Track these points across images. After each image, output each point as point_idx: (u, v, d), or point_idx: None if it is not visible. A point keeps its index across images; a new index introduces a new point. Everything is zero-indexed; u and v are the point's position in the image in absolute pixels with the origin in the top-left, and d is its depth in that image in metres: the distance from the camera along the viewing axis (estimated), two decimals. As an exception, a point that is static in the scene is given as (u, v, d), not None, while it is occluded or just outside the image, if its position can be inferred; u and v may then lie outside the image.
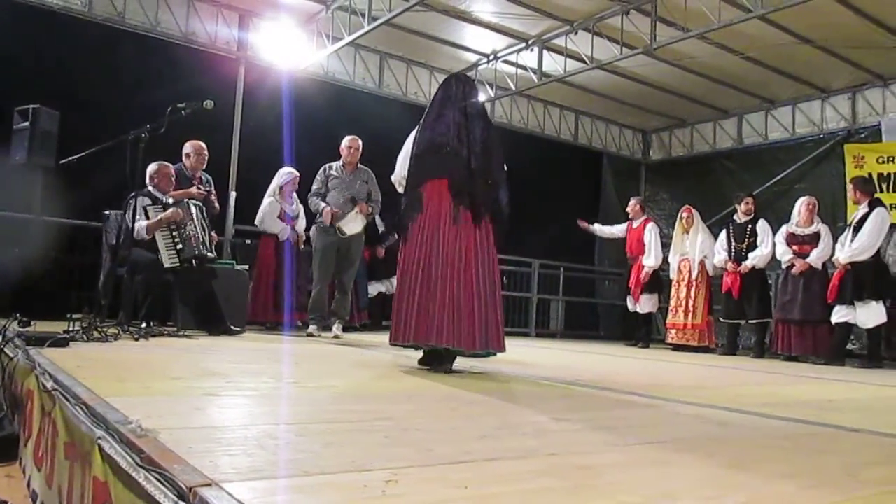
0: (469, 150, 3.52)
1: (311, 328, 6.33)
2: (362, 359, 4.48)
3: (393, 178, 4.01)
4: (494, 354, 3.55)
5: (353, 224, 6.37)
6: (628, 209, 8.90)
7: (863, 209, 6.59)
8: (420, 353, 3.71)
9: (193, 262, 5.51)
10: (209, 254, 5.72)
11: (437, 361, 3.60)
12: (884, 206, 6.66)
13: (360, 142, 6.52)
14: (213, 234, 6.03)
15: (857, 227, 6.51)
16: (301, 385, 2.85)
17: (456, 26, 8.64)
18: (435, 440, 1.70)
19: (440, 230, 3.46)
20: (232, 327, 5.63)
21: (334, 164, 6.52)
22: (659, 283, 8.57)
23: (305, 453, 1.45)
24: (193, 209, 5.64)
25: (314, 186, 6.50)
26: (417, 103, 9.77)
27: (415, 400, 2.64)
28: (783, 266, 7.23)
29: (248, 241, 7.93)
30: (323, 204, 6.34)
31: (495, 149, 3.65)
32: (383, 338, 6.73)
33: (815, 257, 6.93)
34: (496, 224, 3.58)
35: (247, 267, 6.83)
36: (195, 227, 5.55)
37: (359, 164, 6.54)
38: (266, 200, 6.97)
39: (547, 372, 3.92)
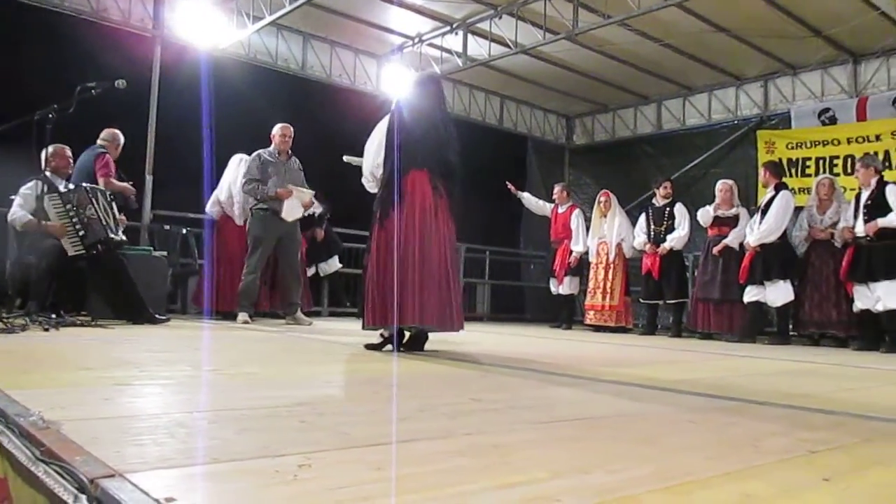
0: (448, 144, 3.86)
1: (243, 316, 6.20)
2: (287, 345, 4.42)
3: (364, 169, 4.15)
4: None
5: (295, 210, 6.39)
6: (554, 196, 9.05)
7: (770, 193, 6.89)
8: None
9: (100, 246, 5.30)
10: (115, 237, 5.48)
11: (381, 346, 3.80)
12: (789, 189, 6.99)
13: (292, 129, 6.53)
14: (121, 216, 5.74)
15: (765, 211, 6.80)
16: (220, 372, 2.79)
17: (380, 8, 8.55)
18: (352, 423, 1.69)
19: (422, 217, 3.70)
20: (157, 316, 5.46)
21: (267, 151, 6.45)
22: (580, 266, 8.75)
23: (217, 440, 1.42)
24: (98, 193, 5.41)
25: (250, 174, 6.34)
26: (342, 85, 9.66)
27: (335, 384, 2.62)
28: (708, 222, 7.44)
29: (166, 227, 7.70)
30: (270, 187, 6.24)
31: (455, 141, 3.97)
32: (313, 321, 6.68)
33: (732, 237, 7.19)
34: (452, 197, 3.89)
35: (165, 253, 6.63)
36: (95, 210, 5.30)
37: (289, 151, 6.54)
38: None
39: (471, 354, 3.95)
